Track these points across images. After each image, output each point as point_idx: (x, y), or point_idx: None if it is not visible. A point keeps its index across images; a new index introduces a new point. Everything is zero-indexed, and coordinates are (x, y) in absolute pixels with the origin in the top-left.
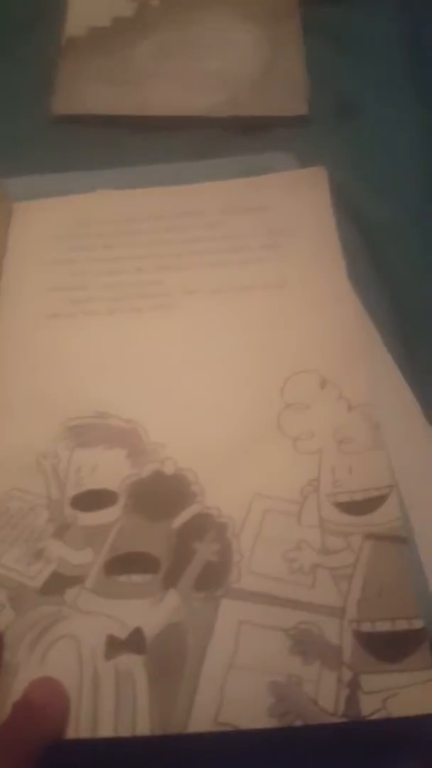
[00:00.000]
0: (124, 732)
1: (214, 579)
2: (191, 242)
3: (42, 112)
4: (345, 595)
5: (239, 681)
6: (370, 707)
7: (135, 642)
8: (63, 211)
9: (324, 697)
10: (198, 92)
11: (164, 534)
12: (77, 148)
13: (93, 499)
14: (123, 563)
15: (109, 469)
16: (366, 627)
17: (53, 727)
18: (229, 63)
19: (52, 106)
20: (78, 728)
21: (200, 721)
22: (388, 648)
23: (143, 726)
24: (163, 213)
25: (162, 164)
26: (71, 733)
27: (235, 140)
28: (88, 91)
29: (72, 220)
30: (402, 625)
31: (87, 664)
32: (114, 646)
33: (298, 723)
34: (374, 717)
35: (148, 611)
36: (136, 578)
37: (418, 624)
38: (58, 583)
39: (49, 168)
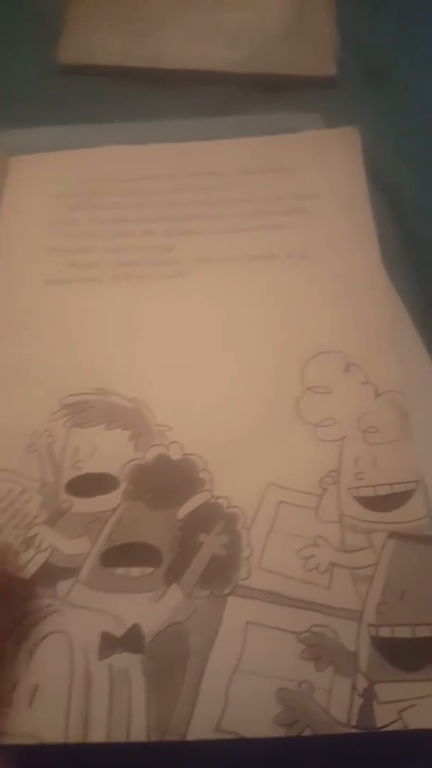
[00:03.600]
0: (118, 738)
1: (220, 575)
2: (206, 205)
3: (48, 61)
4: (364, 597)
5: (245, 686)
6: (385, 718)
7: (132, 640)
8: (64, 166)
9: (336, 706)
10: (217, 46)
11: (168, 524)
12: (85, 100)
13: (91, 484)
14: (121, 555)
15: (109, 451)
16: (385, 632)
17: None
18: (253, 16)
19: (58, 55)
20: (67, 732)
21: (201, 728)
22: (407, 655)
23: (139, 731)
24: (175, 172)
25: (176, 120)
26: (60, 738)
27: (255, 99)
28: (98, 40)
29: (74, 177)
30: (424, 632)
31: (79, 663)
32: (109, 644)
33: (308, 733)
34: (389, 728)
35: (147, 608)
36: (135, 571)
37: None
38: (49, 575)
39: (54, 121)
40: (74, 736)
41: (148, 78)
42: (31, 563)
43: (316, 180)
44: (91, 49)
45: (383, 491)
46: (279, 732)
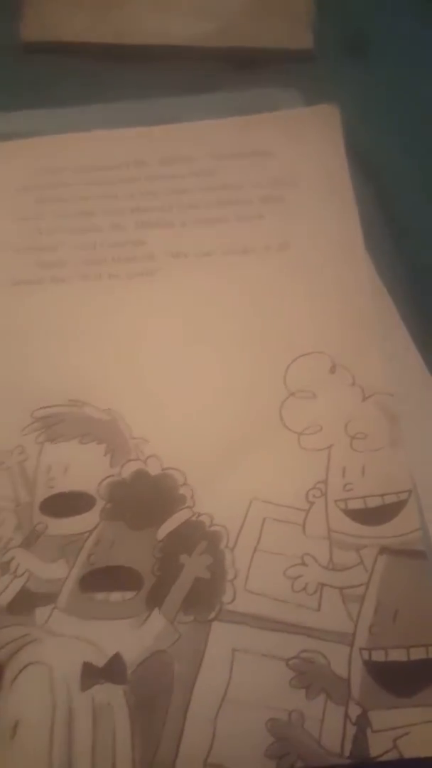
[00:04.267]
0: None
1: (204, 599)
2: (178, 194)
3: (9, 39)
4: (355, 619)
5: (233, 717)
6: (379, 747)
7: (114, 670)
8: (26, 156)
9: (328, 736)
10: (186, 19)
11: (148, 545)
12: (48, 80)
13: (66, 504)
14: (100, 579)
15: (84, 468)
16: (378, 656)
17: None
18: None
19: (19, 32)
20: None
21: (188, 762)
22: (401, 680)
23: (124, 767)
24: (145, 158)
25: (143, 100)
26: None
27: (228, 76)
28: (62, 16)
29: (37, 167)
30: (419, 654)
31: (60, 695)
32: (90, 674)
33: (299, 766)
34: (384, 758)
35: (129, 635)
36: (116, 596)
37: None
38: (26, 601)
39: (15, 104)
40: None
41: (115, 55)
42: (7, 589)
43: (294, 164)
44: (54, 25)
45: (373, 503)
46: (269, 765)
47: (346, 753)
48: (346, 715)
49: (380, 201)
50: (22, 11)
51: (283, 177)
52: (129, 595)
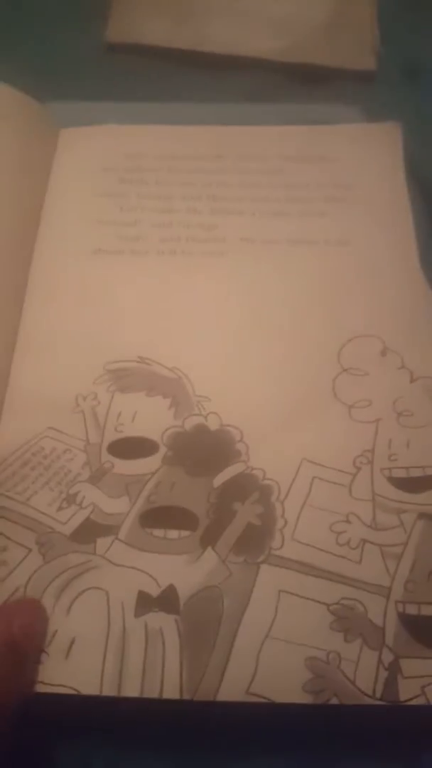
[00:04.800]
0: (151, 694)
1: (254, 543)
2: (249, 187)
3: (97, 39)
4: (392, 574)
5: (275, 653)
6: (408, 692)
7: (167, 600)
8: (113, 140)
9: (362, 677)
10: (259, 34)
11: (204, 491)
12: (130, 79)
13: (132, 447)
14: (159, 516)
15: (150, 417)
16: (411, 609)
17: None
18: (296, 7)
19: (106, 34)
20: (102, 686)
21: (231, 690)
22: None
23: (171, 689)
24: (220, 153)
25: (219, 103)
26: (95, 690)
27: (294, 89)
28: (145, 21)
29: (122, 151)
30: None
31: (115, 619)
32: (145, 602)
33: (334, 702)
34: (412, 703)
35: (183, 569)
36: (173, 534)
37: None
38: (90, 531)
39: (101, 97)
40: (108, 690)
41: (192, 60)
42: (72, 519)
43: (356, 172)
44: (138, 29)
45: (415, 473)
46: (307, 699)
47: (378, 695)
48: (380, 660)
49: (430, 215)
50: (108, 14)
51: (345, 182)
52: (185, 533)
